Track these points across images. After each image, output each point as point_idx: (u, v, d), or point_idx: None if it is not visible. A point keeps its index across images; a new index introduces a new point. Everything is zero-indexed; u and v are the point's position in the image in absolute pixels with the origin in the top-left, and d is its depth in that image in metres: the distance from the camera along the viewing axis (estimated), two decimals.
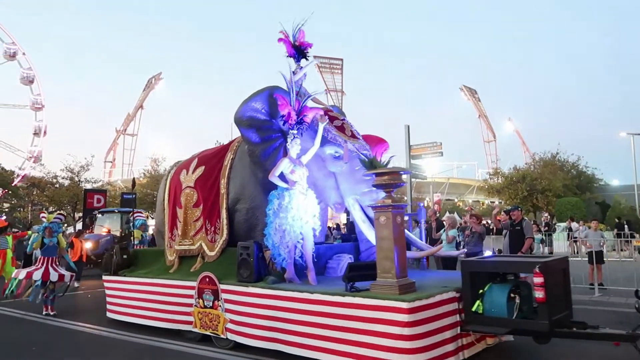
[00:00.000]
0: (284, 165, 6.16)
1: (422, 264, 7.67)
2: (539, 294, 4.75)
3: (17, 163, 43.11)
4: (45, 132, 40.99)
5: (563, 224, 23.41)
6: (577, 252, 17.37)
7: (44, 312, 9.11)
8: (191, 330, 6.84)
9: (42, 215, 9.66)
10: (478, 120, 62.73)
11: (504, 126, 62.88)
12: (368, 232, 6.25)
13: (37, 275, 8.93)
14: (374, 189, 6.43)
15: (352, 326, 5.05)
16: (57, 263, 9.40)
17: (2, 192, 35.54)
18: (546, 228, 21.04)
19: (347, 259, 7.02)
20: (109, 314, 8.49)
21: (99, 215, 19.68)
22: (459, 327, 5.21)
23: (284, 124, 6.42)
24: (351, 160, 6.57)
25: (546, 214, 28.73)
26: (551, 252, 16.91)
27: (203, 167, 7.64)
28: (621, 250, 15.22)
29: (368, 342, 4.90)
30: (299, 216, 6.03)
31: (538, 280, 4.74)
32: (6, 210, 36.11)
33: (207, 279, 6.63)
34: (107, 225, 18.55)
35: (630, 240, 17.44)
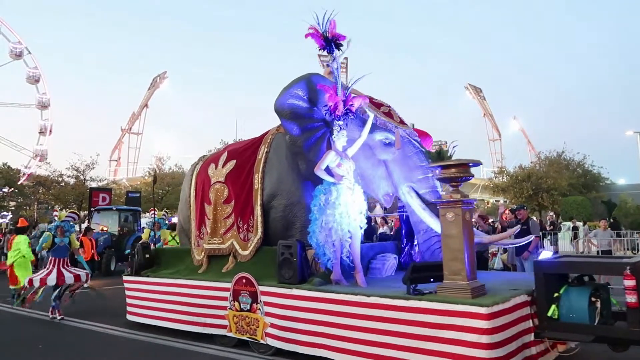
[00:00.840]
0: (330, 158, 5.58)
1: None
2: (630, 298, 4.17)
3: (23, 162, 42.53)
4: (51, 131, 40.31)
5: (568, 223, 22.97)
6: (582, 252, 16.92)
7: (50, 316, 8.45)
8: (225, 335, 6.24)
9: (54, 213, 9.02)
10: (483, 119, 62.04)
11: (509, 125, 61.99)
12: (430, 220, 5.66)
13: (52, 281, 8.27)
14: (431, 175, 5.89)
15: (416, 332, 4.47)
16: (68, 264, 8.76)
17: (8, 190, 34.90)
18: (551, 227, 20.60)
19: (392, 259, 6.45)
20: (129, 316, 7.88)
21: (96, 213, 18.98)
22: (532, 334, 4.64)
23: (330, 115, 5.84)
24: (403, 146, 6.00)
25: (551, 213, 28.22)
26: (556, 251, 16.46)
27: (234, 161, 7.04)
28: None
29: (435, 350, 4.33)
30: (346, 213, 5.44)
31: (629, 283, 4.16)
32: (12, 208, 35.47)
33: (244, 280, 6.04)
34: (104, 224, 17.96)
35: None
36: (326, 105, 6.07)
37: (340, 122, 5.73)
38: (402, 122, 6.29)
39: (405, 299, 4.58)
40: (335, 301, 5.12)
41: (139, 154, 57.26)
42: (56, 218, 8.80)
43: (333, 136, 5.76)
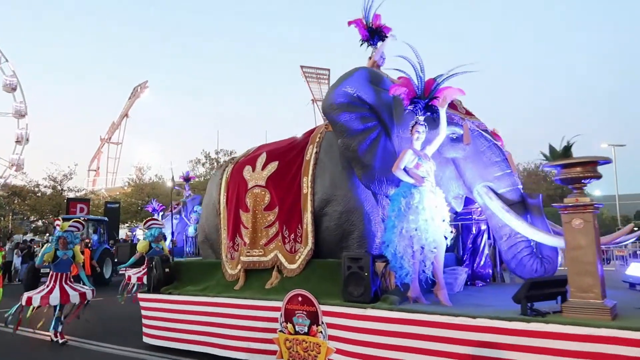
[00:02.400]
0: (408, 158, 4.72)
1: (484, 275, 6.22)
2: None
3: None
4: (27, 140, 38.04)
5: None
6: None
7: (53, 339, 7.20)
8: None
9: (55, 222, 7.75)
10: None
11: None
12: (517, 223, 4.84)
13: (55, 300, 7.01)
14: (509, 171, 5.08)
15: None
16: (71, 280, 7.51)
17: None
18: None
19: (463, 273, 5.60)
20: (146, 339, 6.71)
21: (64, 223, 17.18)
22: None
23: (405, 109, 5.00)
24: (474, 141, 5.17)
25: None
26: None
27: (276, 163, 6.06)
28: None
29: None
30: (431, 219, 4.57)
31: None
32: None
33: (300, 299, 5.04)
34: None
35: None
36: (385, 102, 5.26)
37: (421, 118, 4.89)
38: (468, 112, 5.50)
39: (525, 322, 3.71)
40: (426, 323, 4.20)
41: (118, 164, 55.12)
42: (58, 228, 7.54)
43: (409, 132, 4.92)
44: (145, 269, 8.90)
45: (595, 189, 36.39)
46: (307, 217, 5.59)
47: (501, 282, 7.04)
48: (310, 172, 5.68)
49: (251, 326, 5.45)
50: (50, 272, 7.35)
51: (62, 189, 35.91)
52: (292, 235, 5.71)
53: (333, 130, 5.41)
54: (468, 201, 5.83)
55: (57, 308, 7.15)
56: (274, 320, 5.26)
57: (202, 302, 6.02)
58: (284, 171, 5.94)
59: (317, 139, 5.86)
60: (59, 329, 7.17)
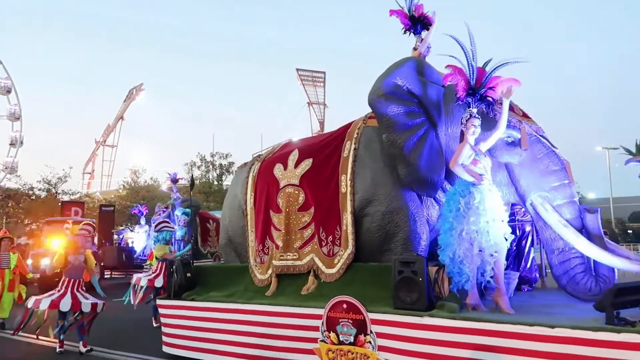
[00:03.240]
0: (465, 153, 4.34)
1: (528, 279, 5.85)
2: None
3: None
4: (22, 143, 37.24)
5: None
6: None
7: (58, 349, 6.69)
8: None
9: (65, 226, 7.23)
10: None
11: None
12: (576, 240, 4.43)
13: (66, 305, 6.50)
14: (567, 182, 4.69)
15: None
16: (83, 287, 7.00)
17: None
18: None
19: (515, 277, 5.21)
20: (166, 348, 6.24)
21: (47, 226, 16.49)
22: None
23: (457, 100, 4.62)
24: (531, 146, 4.78)
25: None
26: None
27: (310, 160, 5.66)
28: None
29: None
30: (493, 220, 4.19)
31: None
32: None
33: (345, 306, 4.61)
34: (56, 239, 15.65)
35: None
36: (433, 95, 4.89)
37: (474, 110, 4.51)
38: (525, 115, 5.11)
39: (615, 332, 3.32)
40: (495, 333, 3.79)
41: (113, 167, 54.27)
42: (68, 232, 7.03)
43: (462, 126, 4.53)
44: (158, 273, 8.43)
45: (589, 192, 36.47)
46: (347, 218, 5.18)
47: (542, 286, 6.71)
48: (349, 169, 5.28)
49: (288, 335, 5.02)
50: (62, 278, 6.85)
51: (56, 192, 35.34)
52: (330, 237, 5.30)
53: (378, 124, 5.03)
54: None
55: (66, 316, 6.64)
56: (314, 329, 4.83)
57: (231, 310, 5.57)
58: (320, 169, 5.54)
59: (355, 135, 5.47)
60: (60, 335, 6.66)
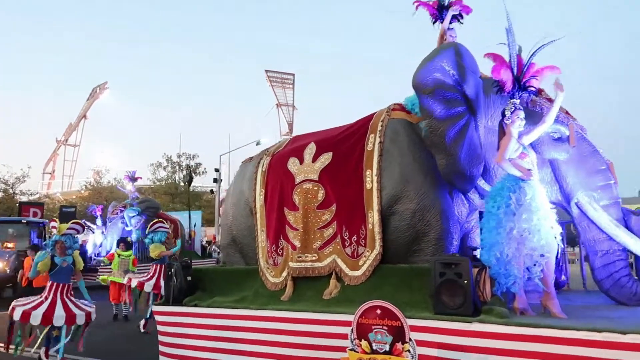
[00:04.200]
0: (512, 147, 4.03)
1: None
2: None
3: None
4: None
5: None
6: None
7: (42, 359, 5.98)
8: None
9: (51, 224, 6.46)
10: None
11: None
12: (629, 240, 4.20)
13: (60, 321, 5.77)
14: (613, 182, 4.47)
15: None
16: (72, 293, 6.29)
17: None
18: None
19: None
20: (163, 359, 5.64)
21: None
22: None
23: (498, 91, 4.32)
24: (578, 144, 4.53)
25: None
26: None
27: (330, 154, 5.22)
28: None
29: None
30: (545, 218, 3.89)
31: None
32: None
33: (379, 311, 4.17)
34: (9, 239, 14.51)
35: None
36: (475, 85, 4.58)
37: (516, 101, 4.21)
38: (567, 112, 4.87)
39: None
40: (556, 340, 3.47)
41: (75, 167, 51.64)
42: (54, 231, 6.27)
43: (505, 119, 4.22)
44: (151, 275, 7.81)
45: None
46: (374, 216, 4.78)
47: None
48: (375, 164, 4.88)
49: (311, 344, 4.56)
50: (49, 283, 6.09)
51: (14, 193, 33.46)
52: (355, 237, 4.88)
53: (420, 110, 4.67)
54: None
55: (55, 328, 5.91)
56: (342, 337, 4.37)
57: (243, 316, 5.05)
58: (341, 163, 5.12)
59: (380, 127, 5.08)
60: (55, 348, 5.92)
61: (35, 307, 5.85)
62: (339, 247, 4.94)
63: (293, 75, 65.76)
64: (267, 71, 66.39)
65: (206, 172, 41.05)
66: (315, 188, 5.16)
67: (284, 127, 70.82)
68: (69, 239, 6.32)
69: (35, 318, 5.65)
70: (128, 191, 18.33)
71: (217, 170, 31.57)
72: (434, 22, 5.48)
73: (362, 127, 5.27)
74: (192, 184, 44.19)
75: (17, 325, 5.88)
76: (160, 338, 5.75)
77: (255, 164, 5.97)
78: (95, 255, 17.55)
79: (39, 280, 9.83)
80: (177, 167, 42.19)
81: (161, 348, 5.73)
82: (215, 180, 31.10)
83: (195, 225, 25.41)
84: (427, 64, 4.56)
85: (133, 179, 18.08)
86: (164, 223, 8.16)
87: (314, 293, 4.93)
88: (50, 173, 49.80)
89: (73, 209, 26.74)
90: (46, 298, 5.97)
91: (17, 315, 5.76)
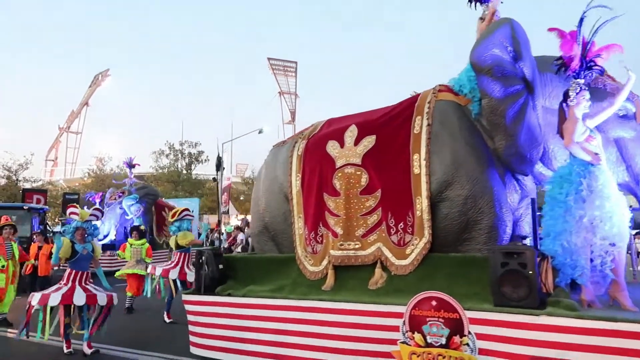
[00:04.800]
0: (579, 130, 3.78)
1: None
2: None
3: None
4: None
5: None
6: None
7: (65, 350, 5.79)
8: None
9: (70, 210, 6.19)
10: None
11: None
12: None
13: (80, 300, 5.64)
14: None
15: None
16: (91, 280, 6.10)
17: None
18: None
19: None
20: (196, 350, 5.46)
21: None
22: None
23: (564, 70, 4.05)
24: None
25: None
26: None
27: (373, 137, 4.96)
28: None
29: None
30: (617, 206, 3.65)
31: None
32: None
33: (434, 303, 3.97)
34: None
35: None
36: (532, 64, 4.31)
37: (580, 81, 3.95)
38: None
39: None
40: (631, 335, 3.26)
41: (77, 154, 51.38)
42: (76, 217, 6.02)
43: (569, 100, 3.96)
44: (175, 263, 7.61)
45: None
46: (422, 203, 4.54)
47: None
48: (424, 148, 4.63)
49: (359, 336, 4.35)
50: (68, 271, 5.89)
51: (17, 179, 33.20)
52: (401, 224, 4.64)
53: (479, 89, 4.41)
54: None
55: (78, 311, 5.73)
56: (391, 329, 4.18)
57: (282, 307, 4.83)
58: (385, 147, 4.86)
59: (426, 109, 4.81)
60: (69, 337, 5.76)
61: (55, 291, 5.70)
62: (384, 234, 4.71)
63: (295, 63, 65.10)
64: (269, 59, 65.76)
65: (208, 160, 40.88)
66: (358, 172, 4.91)
67: (286, 114, 70.41)
68: (89, 226, 6.12)
69: (55, 299, 5.50)
70: (125, 181, 18.01)
71: (219, 158, 31.37)
72: (470, 3, 5.18)
73: (406, 109, 5.00)
74: (194, 172, 44.13)
75: (37, 309, 5.71)
76: (191, 328, 5.54)
77: (289, 148, 5.70)
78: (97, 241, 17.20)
79: (43, 269, 9.73)
80: (180, 155, 42.00)
81: (192, 338, 5.53)
82: (217, 167, 30.90)
83: (192, 212, 25.22)
84: (484, 40, 4.31)
85: (131, 165, 17.76)
86: (189, 210, 7.90)
87: (357, 283, 4.70)
88: (52, 160, 49.55)
89: (76, 196, 26.57)
90: (65, 285, 5.80)
91: (35, 300, 5.59)
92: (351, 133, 5.11)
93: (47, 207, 18.23)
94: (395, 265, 4.58)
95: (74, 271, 5.87)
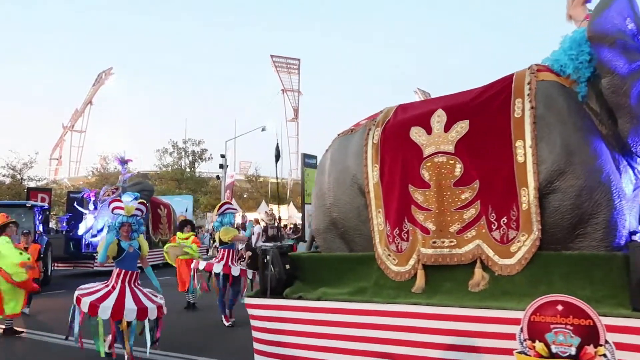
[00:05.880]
0: None
1: None
2: None
3: None
4: None
5: None
6: None
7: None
8: None
9: (115, 204, 5.73)
10: None
11: None
12: None
13: (131, 315, 5.18)
14: None
15: None
16: (139, 282, 5.65)
17: None
18: None
19: None
20: (260, 358, 5.00)
21: None
22: None
23: None
24: None
25: None
26: None
27: (467, 122, 4.49)
28: None
29: None
30: None
31: None
32: None
33: (560, 307, 3.50)
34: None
35: None
36: None
37: None
38: None
39: None
40: None
41: (82, 153, 51.13)
42: (121, 212, 5.57)
43: None
44: (220, 259, 7.22)
45: None
46: (530, 195, 4.07)
47: None
48: (529, 134, 4.16)
49: (465, 345, 3.89)
50: (116, 270, 5.44)
51: (22, 178, 33.10)
52: (504, 219, 4.17)
53: (599, 66, 3.95)
54: None
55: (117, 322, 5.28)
56: (504, 336, 3.73)
57: (367, 311, 4.38)
58: (481, 133, 4.39)
59: (527, 91, 4.34)
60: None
61: (103, 298, 5.24)
62: (484, 230, 4.24)
63: (299, 60, 64.66)
64: (272, 56, 65.34)
65: (212, 158, 40.71)
66: (451, 162, 4.44)
67: (289, 112, 70.01)
68: (135, 221, 5.67)
69: (105, 311, 5.05)
70: (120, 177, 17.60)
71: (223, 156, 31.19)
72: None
73: (502, 91, 4.53)
74: (198, 170, 43.80)
75: (86, 317, 5.28)
76: (255, 334, 5.09)
77: (362, 136, 5.23)
78: (91, 237, 16.66)
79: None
80: (183, 153, 41.82)
81: (256, 346, 5.08)
82: (221, 166, 30.68)
83: (186, 210, 24.87)
84: (603, 11, 3.85)
85: (123, 161, 17.34)
86: (231, 204, 7.48)
87: (454, 284, 4.25)
88: (57, 159, 49.23)
89: (80, 195, 26.25)
90: (114, 288, 5.36)
91: (84, 307, 5.14)
92: (439, 118, 4.64)
93: (47, 205, 17.82)
94: (499, 264, 4.12)
95: (122, 271, 5.43)
